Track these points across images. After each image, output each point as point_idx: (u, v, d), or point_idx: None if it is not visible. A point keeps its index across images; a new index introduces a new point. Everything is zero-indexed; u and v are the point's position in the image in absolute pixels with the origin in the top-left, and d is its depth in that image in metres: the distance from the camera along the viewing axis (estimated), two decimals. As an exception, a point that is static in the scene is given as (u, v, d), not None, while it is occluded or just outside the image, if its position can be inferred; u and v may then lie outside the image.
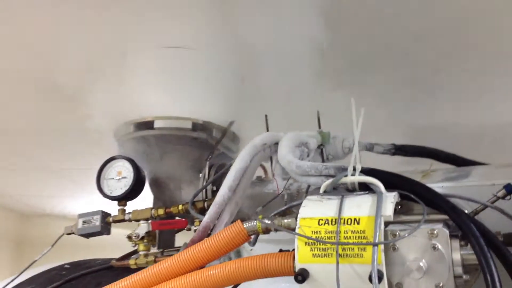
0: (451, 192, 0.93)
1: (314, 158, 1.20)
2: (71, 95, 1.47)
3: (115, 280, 1.38)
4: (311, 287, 0.80)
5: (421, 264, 0.76)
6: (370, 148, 1.27)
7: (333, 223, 0.82)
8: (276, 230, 0.91)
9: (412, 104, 1.91)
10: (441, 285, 0.76)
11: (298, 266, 0.81)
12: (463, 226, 0.77)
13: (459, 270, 0.77)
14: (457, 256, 0.77)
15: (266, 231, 0.92)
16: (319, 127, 1.25)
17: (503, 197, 0.86)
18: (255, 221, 0.93)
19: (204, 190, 1.27)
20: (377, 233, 0.77)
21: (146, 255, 1.24)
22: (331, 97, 1.47)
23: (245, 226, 0.93)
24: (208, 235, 1.02)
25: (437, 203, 0.81)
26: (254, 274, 0.88)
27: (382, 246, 0.77)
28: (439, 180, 1.07)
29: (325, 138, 1.22)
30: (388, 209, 0.80)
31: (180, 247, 1.27)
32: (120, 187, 1.28)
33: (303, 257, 0.81)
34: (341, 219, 0.81)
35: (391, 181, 0.86)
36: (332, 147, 1.24)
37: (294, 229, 0.87)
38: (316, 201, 0.87)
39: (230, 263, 0.89)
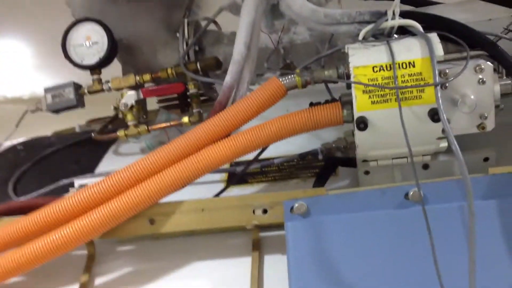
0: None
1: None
2: None
3: (97, 154, 1.30)
4: (370, 133, 0.84)
5: (471, 98, 0.83)
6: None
7: (389, 68, 0.83)
8: (322, 82, 0.90)
9: None
10: (485, 115, 0.85)
11: (357, 114, 0.83)
12: (502, 59, 0.84)
13: (498, 100, 0.86)
14: (497, 87, 0.85)
15: (306, 84, 0.91)
16: None
17: (515, 30, 0.95)
18: (293, 76, 0.91)
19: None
20: (436, 74, 0.81)
21: (136, 125, 1.16)
22: None
23: (283, 82, 0.91)
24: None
25: (475, 39, 0.86)
26: (305, 127, 0.88)
27: (439, 85, 0.82)
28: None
29: None
30: (439, 49, 0.84)
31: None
32: (93, 54, 1.13)
33: (361, 105, 0.83)
34: (395, 63, 0.83)
35: (428, 21, 0.89)
36: None
37: (337, 80, 0.88)
38: (362, 48, 0.87)
39: (278, 119, 0.89)
